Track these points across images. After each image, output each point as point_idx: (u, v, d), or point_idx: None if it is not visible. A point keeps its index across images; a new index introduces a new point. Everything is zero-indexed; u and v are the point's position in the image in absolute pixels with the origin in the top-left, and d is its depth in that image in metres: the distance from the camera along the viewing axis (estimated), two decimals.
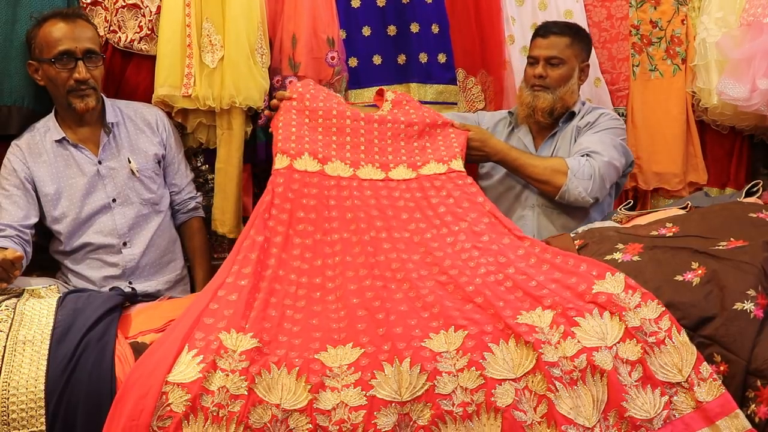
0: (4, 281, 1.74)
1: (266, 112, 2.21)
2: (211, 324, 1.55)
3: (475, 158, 2.26)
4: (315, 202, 1.95)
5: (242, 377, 1.45)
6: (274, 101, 2.16)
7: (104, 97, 2.14)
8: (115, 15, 2.20)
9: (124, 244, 2.09)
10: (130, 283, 2.09)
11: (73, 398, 1.45)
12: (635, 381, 1.52)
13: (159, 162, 2.18)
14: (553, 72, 2.33)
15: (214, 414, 1.41)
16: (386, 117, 2.19)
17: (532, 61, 2.37)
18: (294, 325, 1.61)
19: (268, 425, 1.42)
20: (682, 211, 2.06)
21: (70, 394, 1.45)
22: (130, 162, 2.10)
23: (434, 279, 1.74)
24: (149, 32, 2.22)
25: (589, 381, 1.50)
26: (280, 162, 2.00)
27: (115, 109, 2.16)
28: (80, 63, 1.99)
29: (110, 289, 2.00)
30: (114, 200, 2.08)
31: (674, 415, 1.51)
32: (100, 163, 2.09)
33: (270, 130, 2.14)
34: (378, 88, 2.38)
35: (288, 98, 2.13)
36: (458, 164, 2.11)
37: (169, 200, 2.22)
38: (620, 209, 2.22)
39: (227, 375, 1.45)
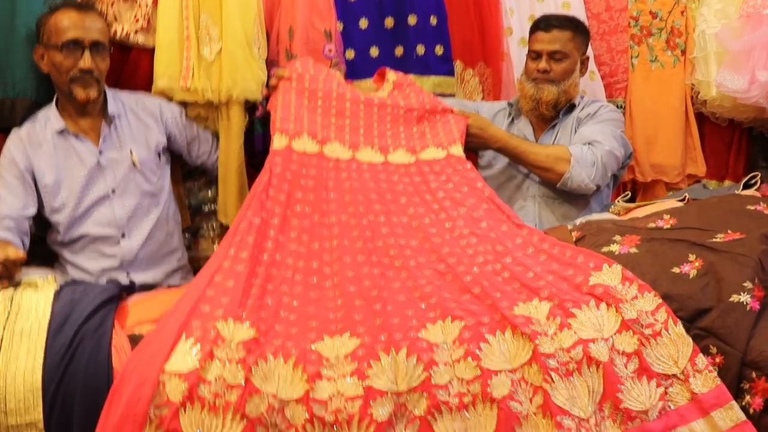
0: (5, 279, 1.74)
1: (264, 91, 2.19)
2: (208, 312, 1.54)
3: (475, 145, 2.25)
4: (313, 183, 1.93)
5: (239, 367, 1.44)
6: (273, 80, 2.14)
7: (106, 89, 2.13)
8: (111, 6, 2.19)
9: (123, 235, 2.09)
10: (128, 274, 2.08)
11: (70, 389, 1.45)
12: (631, 372, 1.52)
13: (159, 154, 2.18)
14: (557, 66, 2.32)
15: (211, 403, 1.41)
16: (386, 101, 2.18)
17: (535, 55, 2.36)
18: (291, 312, 1.60)
19: (265, 415, 1.42)
20: (680, 204, 2.05)
21: (67, 385, 1.45)
22: (132, 154, 2.11)
23: (432, 267, 1.73)
24: (146, 24, 2.21)
25: (585, 372, 1.50)
26: (278, 142, 1.98)
27: (117, 100, 2.15)
28: (86, 52, 2.00)
29: (107, 281, 1.99)
30: (113, 191, 2.08)
31: (669, 407, 1.51)
32: (100, 153, 2.09)
33: (268, 109, 2.12)
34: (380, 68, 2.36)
35: (287, 78, 2.12)
36: (458, 149, 2.10)
37: (203, 162, 2.28)
38: (618, 201, 2.21)
39: (224, 365, 1.44)
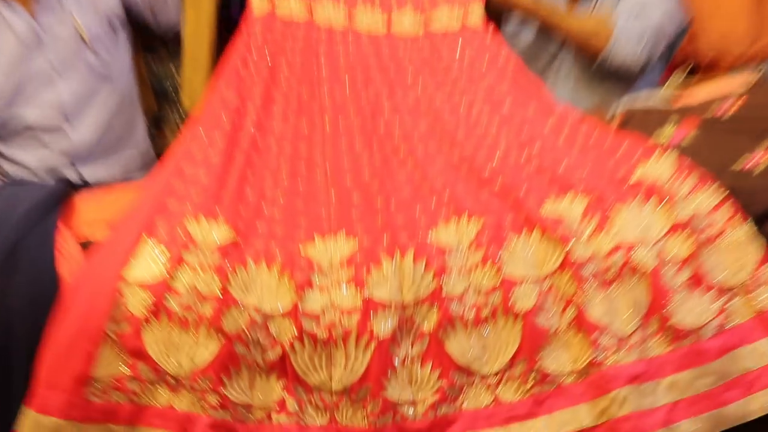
0: None
1: None
2: (176, 209, 1.40)
3: (496, 7, 1.97)
4: (301, 53, 1.74)
5: (214, 274, 1.30)
6: None
7: None
8: None
9: (70, 122, 1.87)
10: (78, 170, 1.89)
11: (9, 305, 1.31)
12: (683, 283, 1.35)
13: (113, 25, 1.92)
14: None
15: (181, 317, 1.29)
16: None
17: None
18: (275, 208, 1.46)
19: (245, 331, 1.29)
20: (750, 83, 1.80)
21: (6, 300, 1.31)
22: (78, 24, 1.85)
23: (444, 157, 1.57)
24: None
25: (626, 282, 1.35)
26: (258, 5, 1.75)
27: None
28: None
29: (55, 180, 1.81)
30: (56, 70, 1.84)
31: (728, 324, 1.36)
32: (36, 23, 1.82)
33: None
34: None
35: None
36: (477, 12, 1.85)
37: (175, 30, 1.99)
38: (674, 78, 1.99)
39: (196, 272, 1.31)
